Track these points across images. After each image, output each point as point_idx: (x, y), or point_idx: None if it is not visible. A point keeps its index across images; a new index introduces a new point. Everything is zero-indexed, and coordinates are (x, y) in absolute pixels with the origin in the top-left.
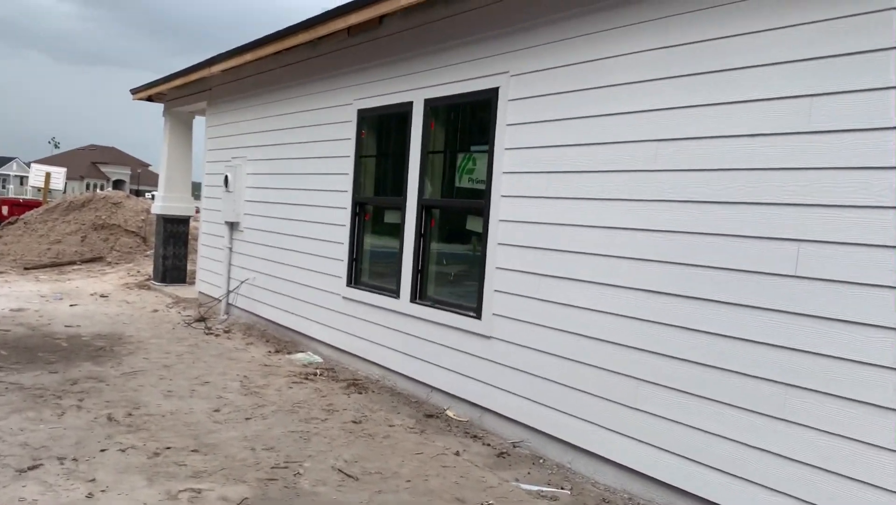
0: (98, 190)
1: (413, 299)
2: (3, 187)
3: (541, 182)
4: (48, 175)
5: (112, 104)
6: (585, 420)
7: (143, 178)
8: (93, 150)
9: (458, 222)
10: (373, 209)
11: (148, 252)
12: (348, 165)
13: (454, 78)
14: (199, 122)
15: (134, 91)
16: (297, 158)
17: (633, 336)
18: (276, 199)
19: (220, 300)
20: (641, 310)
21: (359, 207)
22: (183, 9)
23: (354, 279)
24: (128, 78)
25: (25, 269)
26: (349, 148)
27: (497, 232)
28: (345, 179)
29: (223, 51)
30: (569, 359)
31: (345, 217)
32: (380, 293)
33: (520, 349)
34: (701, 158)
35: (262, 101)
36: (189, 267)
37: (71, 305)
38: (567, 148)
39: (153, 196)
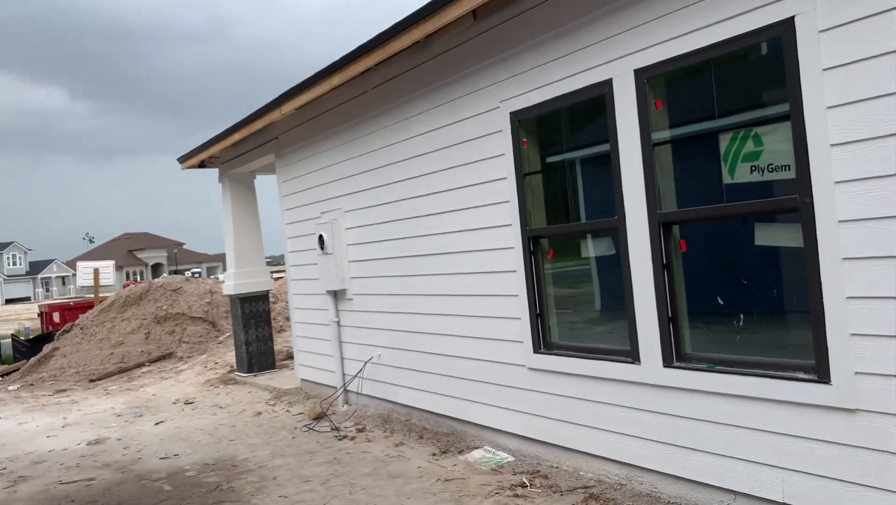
0: (139, 277)
1: (669, 363)
2: (47, 290)
3: None
4: (97, 271)
5: (137, 191)
6: None
7: (179, 258)
8: (127, 238)
9: (736, 237)
10: (555, 243)
11: (220, 338)
12: (508, 190)
13: (689, 27)
14: (263, 183)
15: (182, 159)
16: (418, 197)
17: None
18: (395, 253)
19: (336, 388)
20: None
21: (533, 243)
22: (183, 85)
23: (544, 343)
24: (148, 163)
25: (91, 381)
26: (505, 167)
27: (837, 240)
28: (505, 210)
29: (294, 84)
30: None
31: (513, 260)
32: (597, 358)
33: None
34: None
35: (350, 137)
36: (275, 347)
37: (156, 424)
38: None
39: (193, 273)
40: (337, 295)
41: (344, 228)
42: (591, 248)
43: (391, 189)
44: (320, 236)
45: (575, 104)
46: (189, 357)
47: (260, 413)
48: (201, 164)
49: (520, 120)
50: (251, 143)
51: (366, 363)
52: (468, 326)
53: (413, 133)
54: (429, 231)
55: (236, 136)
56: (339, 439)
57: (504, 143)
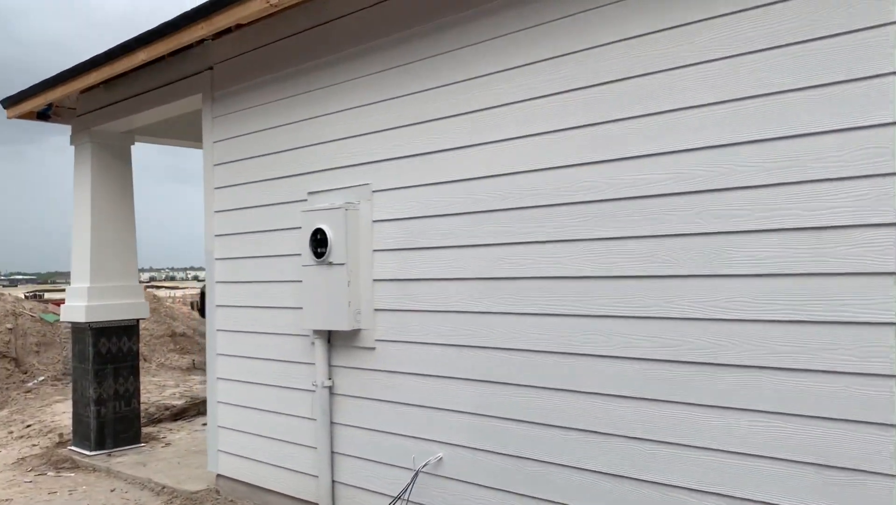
0: None
1: None
2: None
3: None
4: None
5: None
6: None
7: None
8: None
9: None
10: None
11: (30, 383)
12: None
13: None
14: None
15: (10, 102)
16: (630, 160)
17: None
18: (528, 271)
19: None
20: None
21: None
22: None
23: None
24: None
25: None
26: None
27: None
28: None
29: None
30: None
31: None
32: None
33: None
34: None
35: (405, 58)
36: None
37: None
38: None
39: None
40: (333, 339)
41: (369, 222)
42: None
43: (532, 147)
44: (317, 233)
45: None
46: None
47: None
48: (42, 114)
49: None
50: (152, 79)
51: (417, 473)
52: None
53: (621, 34)
54: (654, 230)
55: (140, 57)
56: None
57: None
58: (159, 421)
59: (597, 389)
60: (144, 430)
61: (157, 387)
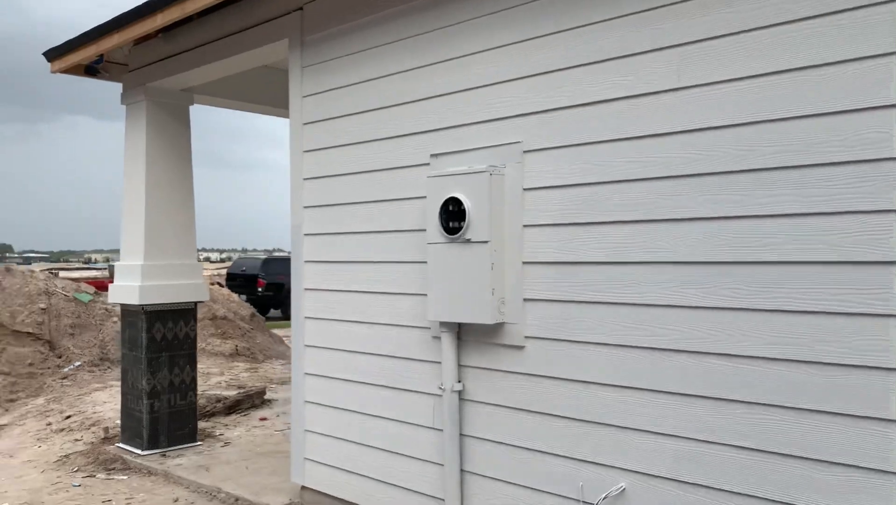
0: None
1: None
2: None
3: None
4: None
5: None
6: None
7: None
8: None
9: None
10: None
11: (65, 368)
12: None
13: None
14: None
15: (56, 53)
16: None
17: None
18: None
19: None
20: None
21: None
22: None
23: None
24: None
25: None
26: None
27: None
28: None
29: None
30: None
31: None
32: None
33: None
34: None
35: None
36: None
37: None
38: None
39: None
40: (464, 334)
41: (518, 190)
42: None
43: (779, 88)
44: (449, 204)
45: None
46: (11, 402)
47: None
48: (91, 68)
49: None
50: (223, 25)
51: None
52: None
53: None
54: None
55: (191, 5)
56: None
57: None
58: (212, 415)
59: (865, 413)
60: (199, 425)
61: (201, 375)
